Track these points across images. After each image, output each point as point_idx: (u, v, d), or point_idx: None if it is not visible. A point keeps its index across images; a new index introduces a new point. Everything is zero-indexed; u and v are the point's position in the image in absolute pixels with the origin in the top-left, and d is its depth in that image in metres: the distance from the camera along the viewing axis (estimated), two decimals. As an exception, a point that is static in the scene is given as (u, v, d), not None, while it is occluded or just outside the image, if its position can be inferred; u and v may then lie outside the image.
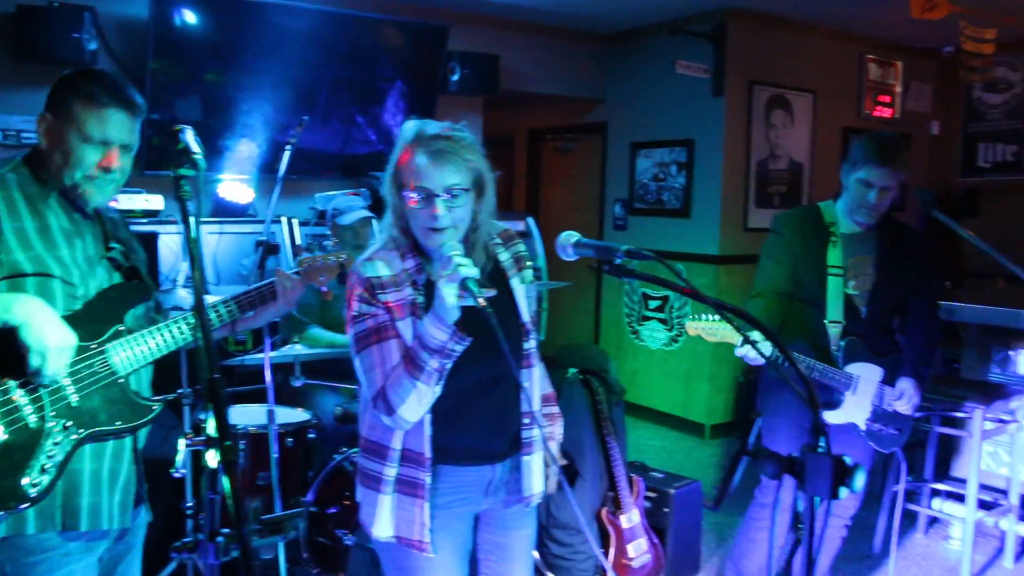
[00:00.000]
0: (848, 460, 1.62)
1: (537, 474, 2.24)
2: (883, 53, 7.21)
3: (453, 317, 1.92)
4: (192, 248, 1.63)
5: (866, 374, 3.12)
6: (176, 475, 2.09)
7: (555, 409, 2.43)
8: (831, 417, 3.11)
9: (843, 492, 1.62)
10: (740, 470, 1.78)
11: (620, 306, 7.18)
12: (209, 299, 2.22)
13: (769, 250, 3.26)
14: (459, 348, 1.95)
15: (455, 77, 5.99)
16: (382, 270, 2.06)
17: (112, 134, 2.01)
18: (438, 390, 2.00)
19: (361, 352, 2.07)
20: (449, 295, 1.88)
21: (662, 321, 6.78)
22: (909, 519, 4.58)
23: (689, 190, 6.59)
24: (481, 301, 1.82)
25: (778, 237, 3.25)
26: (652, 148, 6.91)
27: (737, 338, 2.76)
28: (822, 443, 1.65)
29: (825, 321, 3.13)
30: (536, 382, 2.24)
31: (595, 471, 3.66)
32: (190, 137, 1.85)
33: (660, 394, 6.84)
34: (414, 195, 2.00)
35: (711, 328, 2.87)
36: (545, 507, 3.59)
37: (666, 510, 3.84)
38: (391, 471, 2.11)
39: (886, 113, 7.31)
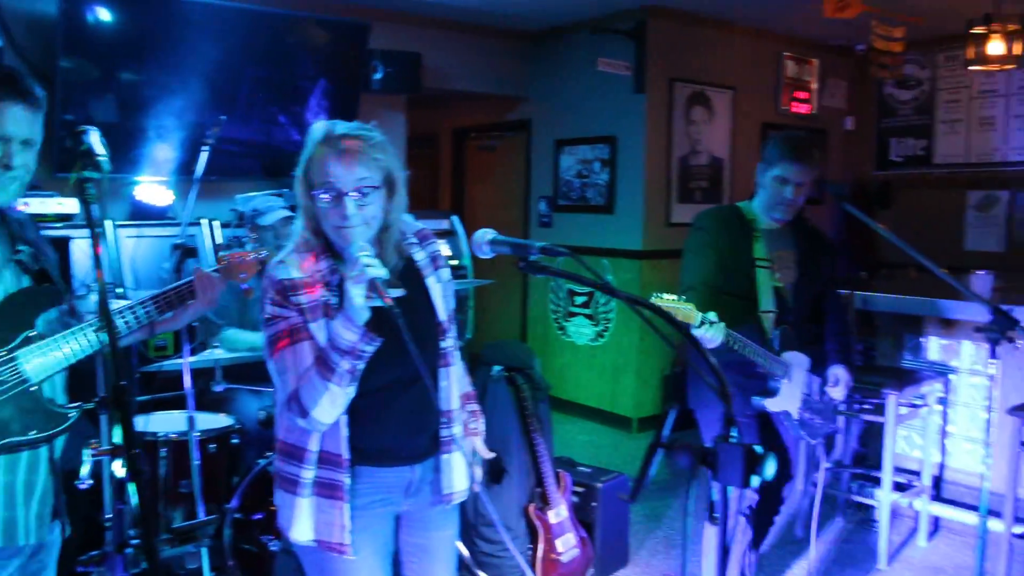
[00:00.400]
0: (759, 449, 1.65)
1: (458, 472, 2.24)
2: (800, 51, 7.37)
3: (363, 318, 1.92)
4: (96, 251, 1.58)
5: (797, 362, 3.21)
6: (81, 486, 2.02)
7: (476, 406, 2.43)
8: (769, 405, 3.18)
9: (754, 480, 1.65)
10: (655, 463, 1.79)
11: (546, 303, 7.21)
12: (124, 302, 2.16)
13: (694, 246, 3.31)
14: (370, 349, 1.94)
15: (378, 76, 5.94)
16: (294, 272, 2.04)
17: (10, 129, 1.91)
18: (351, 391, 1.99)
19: (274, 355, 2.05)
20: (357, 296, 1.88)
21: (588, 317, 6.83)
22: (830, 504, 4.70)
23: (613, 186, 6.64)
24: (388, 301, 1.82)
25: (703, 233, 3.31)
26: (576, 145, 6.95)
27: (696, 317, 2.82)
28: (734, 433, 1.68)
29: (759, 311, 3.20)
30: (454, 381, 2.23)
31: (522, 468, 3.67)
32: (94, 139, 1.80)
33: (587, 389, 6.89)
34: (324, 194, 1.98)
35: (673, 307, 2.90)
36: (473, 505, 3.59)
37: (594, 504, 3.87)
38: (308, 474, 2.09)
39: (803, 109, 7.48)
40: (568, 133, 7.01)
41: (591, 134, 6.80)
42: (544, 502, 3.61)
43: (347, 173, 1.96)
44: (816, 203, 7.67)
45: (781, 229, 3.31)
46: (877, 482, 4.40)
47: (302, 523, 2.09)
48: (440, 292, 2.21)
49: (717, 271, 3.22)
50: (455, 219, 5.83)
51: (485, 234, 2.06)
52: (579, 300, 6.90)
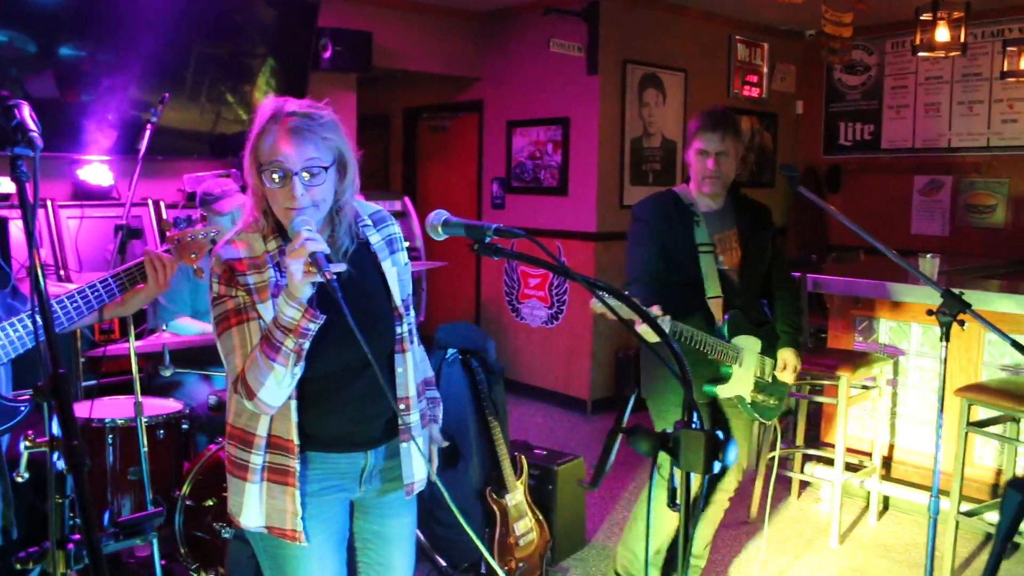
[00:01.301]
0: (720, 434, 1.62)
1: (417, 462, 2.18)
2: (751, 35, 7.39)
3: (305, 294, 1.85)
4: (29, 231, 1.47)
5: (748, 346, 3.20)
6: (19, 479, 1.93)
7: (435, 393, 2.37)
8: (721, 391, 3.17)
9: (716, 466, 1.62)
10: (615, 448, 1.76)
11: (500, 285, 7.16)
12: (72, 286, 2.04)
13: (635, 236, 3.27)
14: (313, 327, 1.87)
15: (327, 54, 5.81)
16: (243, 252, 1.97)
17: None
18: (298, 372, 1.92)
19: (221, 335, 1.98)
20: (297, 270, 1.81)
21: (542, 299, 6.79)
22: (783, 485, 4.73)
23: (565, 168, 6.60)
24: (328, 276, 1.76)
25: (641, 223, 3.27)
26: (528, 126, 6.89)
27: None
28: (696, 419, 1.64)
29: (706, 298, 3.18)
30: (410, 366, 2.16)
31: (478, 451, 3.62)
32: (26, 113, 1.69)
33: (542, 371, 6.87)
34: (272, 174, 1.91)
35: (617, 306, 2.86)
36: (429, 490, 3.52)
37: (550, 487, 3.84)
38: (258, 459, 2.03)
39: (754, 93, 7.50)
40: (521, 114, 6.94)
41: (544, 115, 6.74)
42: (501, 486, 3.56)
43: (296, 152, 1.89)
44: (767, 186, 7.74)
45: (721, 210, 3.28)
46: (829, 463, 4.44)
47: (252, 509, 2.05)
48: (396, 276, 2.15)
49: (660, 260, 3.18)
50: (407, 200, 5.75)
51: (439, 216, 2.01)
52: (533, 282, 6.86)
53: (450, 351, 3.63)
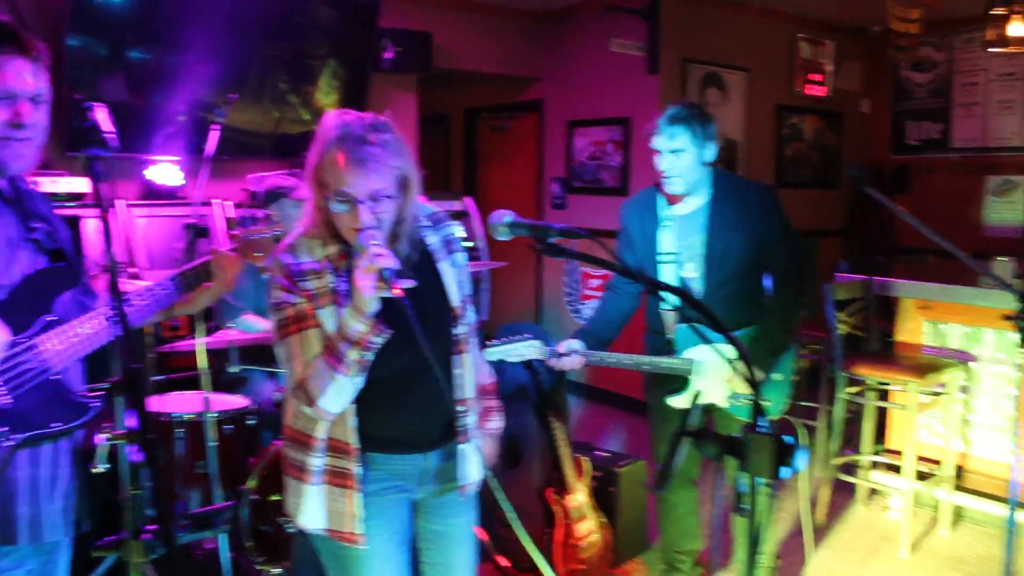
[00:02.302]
0: (789, 439, 1.59)
1: (473, 463, 2.18)
2: (815, 32, 7.25)
3: (372, 308, 1.86)
4: (106, 231, 1.49)
5: (706, 357, 3.01)
6: (96, 470, 1.96)
7: (494, 402, 2.35)
8: (676, 402, 3.08)
9: (784, 472, 1.59)
10: (681, 450, 1.73)
11: (560, 286, 7.13)
12: (141, 283, 2.06)
13: (618, 239, 3.24)
14: (379, 340, 1.90)
15: (388, 55, 5.84)
16: (303, 257, 1.99)
17: (15, 84, 1.78)
18: (359, 381, 1.94)
19: (282, 341, 2.00)
20: (366, 286, 1.82)
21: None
22: (848, 491, 4.63)
23: (627, 168, 6.55)
24: (397, 293, 1.77)
25: (621, 225, 3.23)
26: (589, 126, 6.86)
27: (541, 353, 2.81)
28: (763, 423, 1.61)
29: (660, 309, 3.12)
30: (468, 367, 2.16)
31: (540, 452, 3.60)
32: (101, 116, 1.71)
33: (603, 373, 6.81)
34: (337, 199, 1.93)
35: (510, 349, 2.83)
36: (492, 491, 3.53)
37: (612, 489, 3.81)
38: (317, 461, 2.05)
39: (818, 91, 7.36)
40: (581, 114, 6.91)
41: (604, 115, 6.70)
42: (563, 487, 3.54)
43: (361, 183, 1.90)
44: (831, 187, 7.59)
45: (697, 211, 3.10)
46: (895, 470, 4.33)
47: (311, 511, 2.07)
48: (454, 277, 2.15)
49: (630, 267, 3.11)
50: (468, 200, 5.76)
51: (502, 216, 2.02)
52: (594, 283, 6.82)
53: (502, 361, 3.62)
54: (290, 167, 5.34)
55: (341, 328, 1.89)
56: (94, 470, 1.98)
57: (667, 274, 3.09)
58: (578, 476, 3.61)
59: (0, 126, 1.78)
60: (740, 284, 3.09)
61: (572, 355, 2.88)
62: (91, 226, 4.45)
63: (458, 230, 2.24)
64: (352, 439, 2.02)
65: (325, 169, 1.93)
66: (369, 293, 1.82)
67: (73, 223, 4.47)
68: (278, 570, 3.11)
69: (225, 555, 3.22)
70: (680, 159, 3.00)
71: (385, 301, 1.87)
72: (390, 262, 1.81)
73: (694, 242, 3.10)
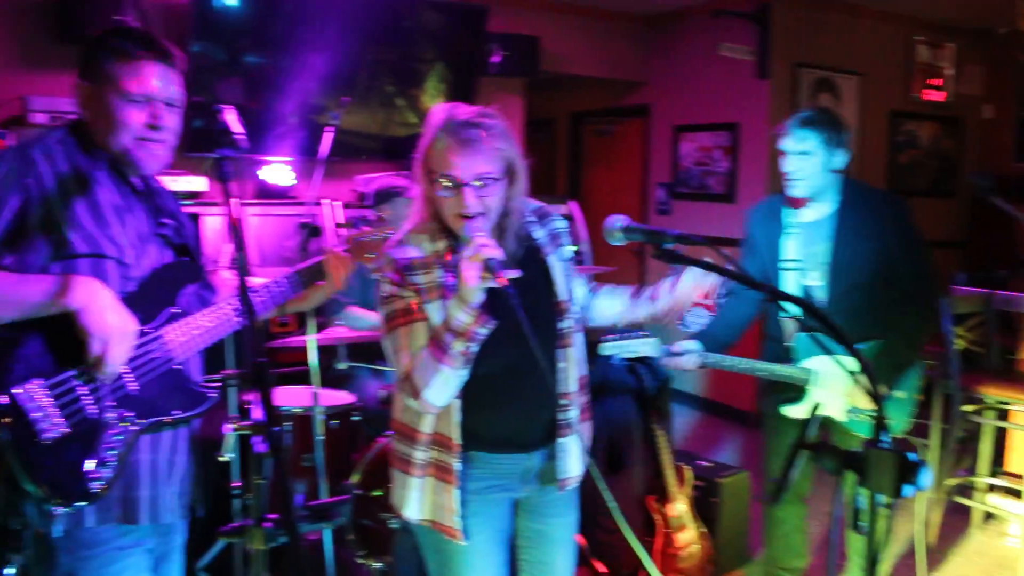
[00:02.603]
0: (913, 456, 1.53)
1: (573, 457, 2.18)
2: (934, 34, 6.99)
3: (477, 299, 1.88)
4: (235, 230, 1.55)
5: (829, 368, 2.92)
6: (223, 459, 2.06)
7: (587, 398, 2.32)
8: (793, 412, 3.01)
9: (907, 490, 1.53)
10: (798, 463, 1.69)
11: (663, 291, 7.05)
12: (257, 281, 2.14)
13: (743, 245, 3.20)
14: (484, 331, 1.91)
15: (495, 59, 5.89)
16: (412, 252, 2.03)
17: (153, 89, 1.88)
18: (464, 373, 1.96)
19: (389, 334, 2.04)
20: (471, 276, 1.84)
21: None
22: (963, 514, 4.44)
23: (734, 175, 6.45)
24: (502, 282, 1.78)
25: (746, 231, 3.19)
26: (695, 132, 6.78)
27: (656, 351, 2.79)
28: (885, 438, 1.56)
29: (780, 316, 3.03)
30: (573, 361, 2.16)
31: (641, 459, 3.58)
32: (232, 118, 1.79)
33: (705, 381, 6.73)
34: (444, 183, 1.95)
35: (625, 345, 2.83)
36: (592, 494, 3.51)
37: (714, 500, 3.75)
38: (421, 455, 2.08)
39: (936, 96, 7.09)
40: (688, 119, 6.83)
41: (712, 121, 6.61)
42: (664, 495, 3.51)
43: (468, 164, 1.93)
44: (948, 196, 7.31)
45: (824, 218, 3.02)
46: (1016, 494, 4.14)
47: (415, 503, 2.10)
48: (561, 271, 2.16)
49: (757, 274, 3.05)
50: (573, 204, 5.76)
51: (617, 220, 2.01)
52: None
53: (617, 356, 3.60)
54: (398, 169, 5.45)
55: (447, 319, 1.92)
56: (220, 459, 2.07)
57: (790, 282, 3.03)
58: (679, 485, 3.57)
59: (137, 127, 1.88)
60: (865, 295, 3.00)
61: (688, 355, 2.85)
62: (209, 224, 4.63)
63: (563, 222, 2.25)
64: (455, 435, 2.04)
65: (432, 154, 1.97)
66: (474, 283, 1.84)
67: (193, 221, 4.65)
68: (379, 565, 3.17)
69: (329, 548, 3.30)
70: (807, 162, 2.95)
71: (491, 293, 1.89)
72: (495, 252, 1.83)
73: (819, 250, 3.03)
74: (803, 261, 3.04)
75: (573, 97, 8.10)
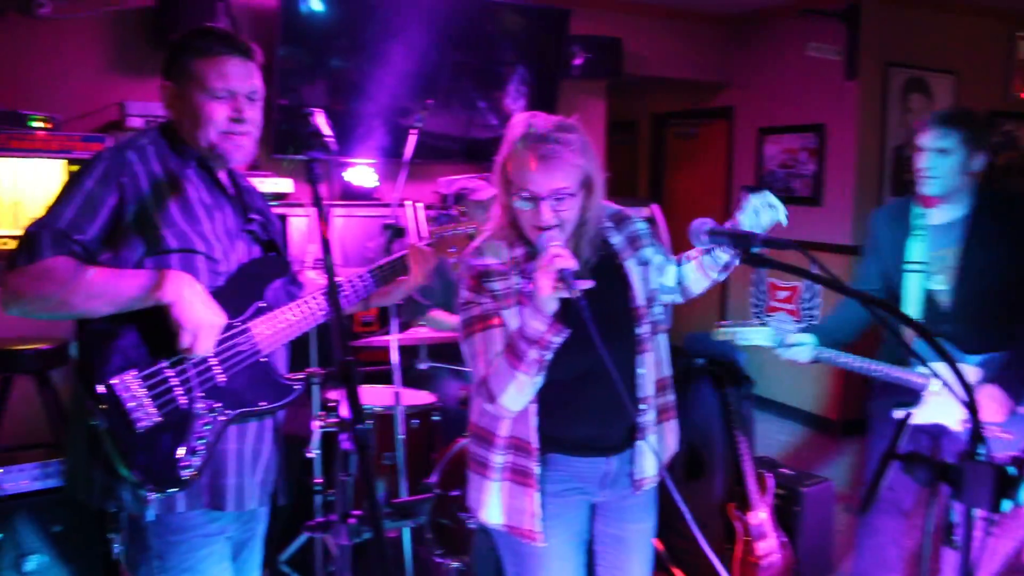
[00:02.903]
0: (1012, 470, 1.48)
1: (649, 459, 2.17)
2: (1036, 31, 6.72)
3: (551, 308, 1.89)
4: (323, 230, 1.59)
5: (950, 374, 2.83)
6: (309, 455, 2.12)
7: (671, 398, 2.30)
8: (903, 416, 2.90)
9: (1006, 505, 1.48)
10: (887, 474, 1.65)
11: (747, 295, 6.96)
12: (340, 277, 2.19)
13: (864, 248, 3.16)
14: (558, 340, 1.92)
15: (577, 61, 5.88)
16: (489, 259, 2.06)
17: (234, 83, 1.97)
18: (539, 380, 1.97)
19: (467, 339, 2.07)
20: (545, 286, 1.86)
21: (791, 312, 6.54)
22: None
23: (820, 177, 6.32)
24: (573, 293, 1.80)
25: (870, 233, 3.14)
26: (780, 134, 6.66)
27: (770, 341, 2.77)
28: (981, 451, 1.51)
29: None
30: (651, 366, 2.16)
31: (723, 465, 3.53)
32: (321, 120, 1.83)
33: (789, 387, 6.60)
34: (521, 198, 1.98)
35: (740, 332, 2.87)
36: (670, 500, 3.48)
37: (796, 509, 3.68)
38: (498, 458, 2.10)
39: (1038, 95, 6.83)
40: (772, 121, 6.72)
41: (797, 122, 6.49)
42: (744, 502, 3.46)
43: (545, 180, 1.95)
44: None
45: (956, 220, 2.92)
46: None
47: (492, 507, 2.12)
48: (639, 275, 2.15)
49: (877, 276, 3.03)
50: (655, 207, 5.72)
51: (703, 224, 1.99)
52: (781, 295, 6.62)
53: (698, 361, 3.57)
54: (479, 171, 5.49)
55: (521, 327, 1.94)
56: (308, 455, 2.13)
57: (913, 284, 2.96)
58: (761, 493, 3.52)
59: (222, 121, 1.97)
60: (993, 303, 2.90)
61: (802, 347, 2.81)
62: (295, 225, 4.74)
63: (642, 224, 2.23)
64: (533, 438, 2.05)
65: (510, 167, 2.00)
66: (548, 293, 1.86)
67: (280, 222, 4.76)
68: (457, 564, 3.20)
69: (407, 546, 3.34)
70: (943, 161, 2.87)
71: (565, 302, 1.90)
72: (569, 263, 1.84)
73: (946, 254, 2.94)
74: (929, 264, 2.96)
75: (656, 99, 8.05)
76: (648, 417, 2.15)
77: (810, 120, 6.38)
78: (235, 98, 1.97)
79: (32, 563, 2.69)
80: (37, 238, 1.82)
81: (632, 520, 2.25)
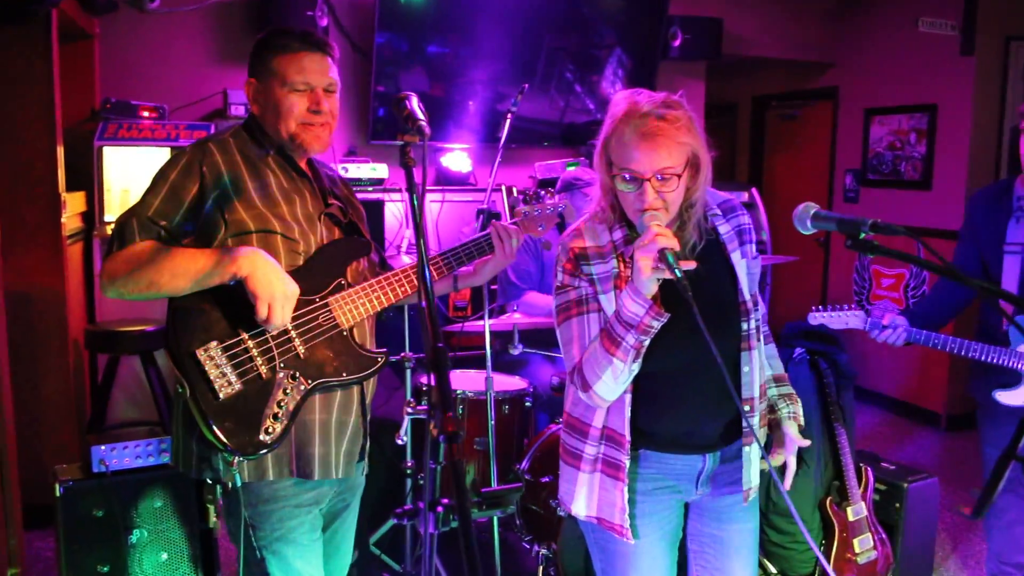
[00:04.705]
0: None
1: (755, 467, 2.11)
2: None
3: (650, 290, 1.83)
4: (416, 215, 1.63)
5: None
6: (399, 442, 2.17)
7: (789, 388, 2.26)
8: (1005, 398, 2.83)
9: None
10: (1005, 475, 1.59)
11: (850, 283, 6.77)
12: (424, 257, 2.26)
13: (961, 230, 3.06)
14: (657, 324, 1.85)
15: (676, 43, 5.80)
16: (588, 241, 2.00)
17: (312, 77, 2.10)
18: (636, 368, 1.91)
19: (562, 324, 2.04)
20: (645, 266, 1.79)
21: (895, 301, 6.34)
22: None
23: (930, 160, 6.09)
24: (676, 274, 1.73)
25: (966, 217, 3.04)
26: (888, 114, 6.44)
27: (864, 324, 2.72)
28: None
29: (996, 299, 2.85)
30: (756, 365, 2.06)
31: (820, 458, 3.46)
32: (415, 104, 1.87)
33: (892, 379, 6.41)
34: (623, 176, 1.91)
35: (834, 316, 2.83)
36: (765, 492, 3.44)
37: (897, 505, 3.57)
38: (591, 450, 2.06)
39: None
40: (880, 101, 6.50)
41: (907, 102, 6.26)
42: (843, 497, 3.38)
43: (648, 159, 1.86)
44: None
45: None
46: None
47: (582, 498, 2.09)
48: (745, 268, 2.07)
49: (974, 258, 2.95)
50: (755, 191, 5.62)
51: (808, 208, 1.91)
52: (886, 283, 6.42)
53: (798, 350, 3.50)
54: (575, 155, 5.49)
55: (619, 309, 1.88)
56: (399, 442, 2.19)
57: (1011, 266, 2.88)
58: (860, 487, 3.44)
59: (301, 112, 2.11)
60: None
61: (896, 329, 2.76)
62: (391, 210, 4.83)
63: (748, 220, 2.16)
64: (626, 431, 1.99)
65: (612, 146, 1.93)
66: (647, 274, 1.79)
67: (376, 207, 4.87)
68: (545, 551, 3.22)
69: (496, 531, 3.38)
70: None
71: (665, 285, 1.84)
72: (671, 243, 1.78)
73: None
74: None
75: (756, 80, 7.88)
76: (755, 420, 2.07)
77: (921, 100, 6.14)
78: (313, 91, 2.11)
79: (134, 537, 2.83)
80: (127, 226, 2.02)
81: (733, 520, 2.16)
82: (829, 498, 3.42)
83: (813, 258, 7.03)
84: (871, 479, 3.51)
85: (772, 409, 2.22)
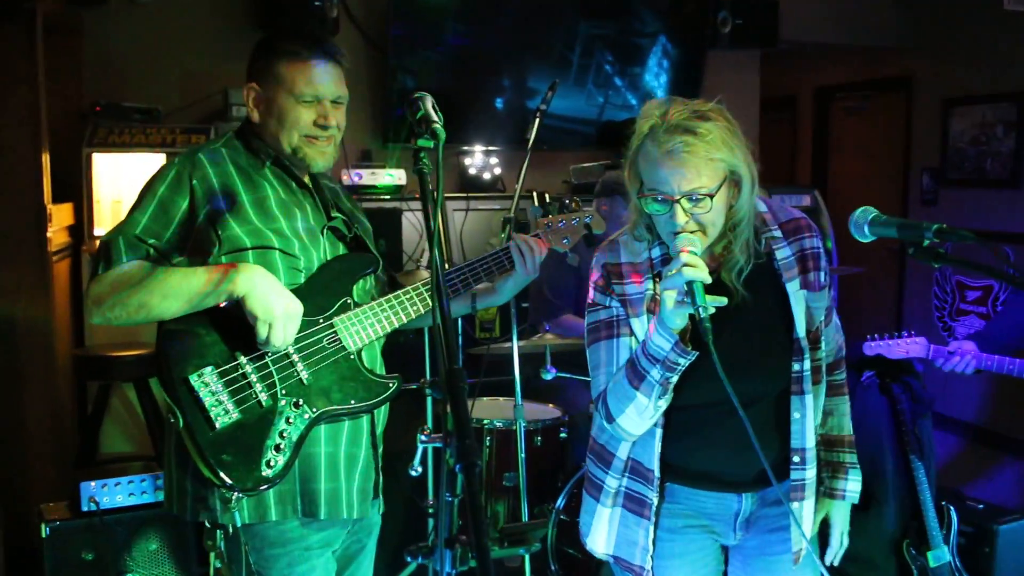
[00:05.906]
0: None
1: (808, 523, 2.09)
2: None
3: (676, 324, 1.82)
4: (429, 225, 1.64)
5: None
6: (412, 473, 2.18)
7: (846, 456, 2.24)
8: None
9: None
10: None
11: (929, 296, 6.71)
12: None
13: None
14: (683, 361, 1.85)
15: (726, 30, 5.78)
16: (624, 256, 2.02)
17: (323, 89, 2.14)
18: (663, 404, 1.92)
19: (590, 346, 2.05)
20: (669, 299, 1.79)
21: (982, 316, 6.27)
22: None
23: (1020, 156, 6.03)
24: (701, 313, 1.73)
25: None
26: (971, 105, 6.39)
27: (927, 352, 2.78)
28: None
29: None
30: (811, 411, 2.03)
31: (896, 495, 3.43)
32: (429, 105, 1.88)
33: (978, 405, 6.33)
34: (651, 196, 1.90)
35: (890, 345, 2.92)
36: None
37: (987, 550, 3.53)
38: (613, 482, 2.07)
39: None
40: (961, 91, 6.45)
41: (993, 91, 6.21)
42: (922, 539, 3.35)
43: (676, 179, 1.85)
44: None
45: None
46: None
47: (599, 533, 2.10)
48: (803, 301, 2.02)
49: None
50: (817, 195, 5.60)
51: (866, 213, 1.90)
52: (972, 296, 6.35)
53: (866, 373, 3.48)
54: (614, 157, 5.48)
55: (645, 341, 1.88)
56: (412, 472, 2.20)
57: None
58: (943, 529, 3.40)
59: (307, 126, 2.15)
60: None
61: (964, 356, 2.74)
62: (410, 220, 4.85)
63: (818, 244, 2.10)
64: (654, 464, 2.00)
65: (639, 163, 1.94)
66: (671, 306, 1.79)
67: (394, 216, 4.89)
68: (585, 598, 3.21)
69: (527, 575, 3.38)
70: None
71: (695, 320, 1.81)
72: (700, 273, 1.76)
73: None
74: None
75: (818, 70, 7.88)
76: (808, 475, 2.05)
77: (1009, 88, 6.09)
78: (321, 103, 2.15)
79: (129, 583, 2.87)
80: (114, 245, 2.05)
81: (782, 572, 2.12)
82: (907, 541, 3.39)
83: (887, 268, 6.97)
84: (955, 520, 3.47)
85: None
